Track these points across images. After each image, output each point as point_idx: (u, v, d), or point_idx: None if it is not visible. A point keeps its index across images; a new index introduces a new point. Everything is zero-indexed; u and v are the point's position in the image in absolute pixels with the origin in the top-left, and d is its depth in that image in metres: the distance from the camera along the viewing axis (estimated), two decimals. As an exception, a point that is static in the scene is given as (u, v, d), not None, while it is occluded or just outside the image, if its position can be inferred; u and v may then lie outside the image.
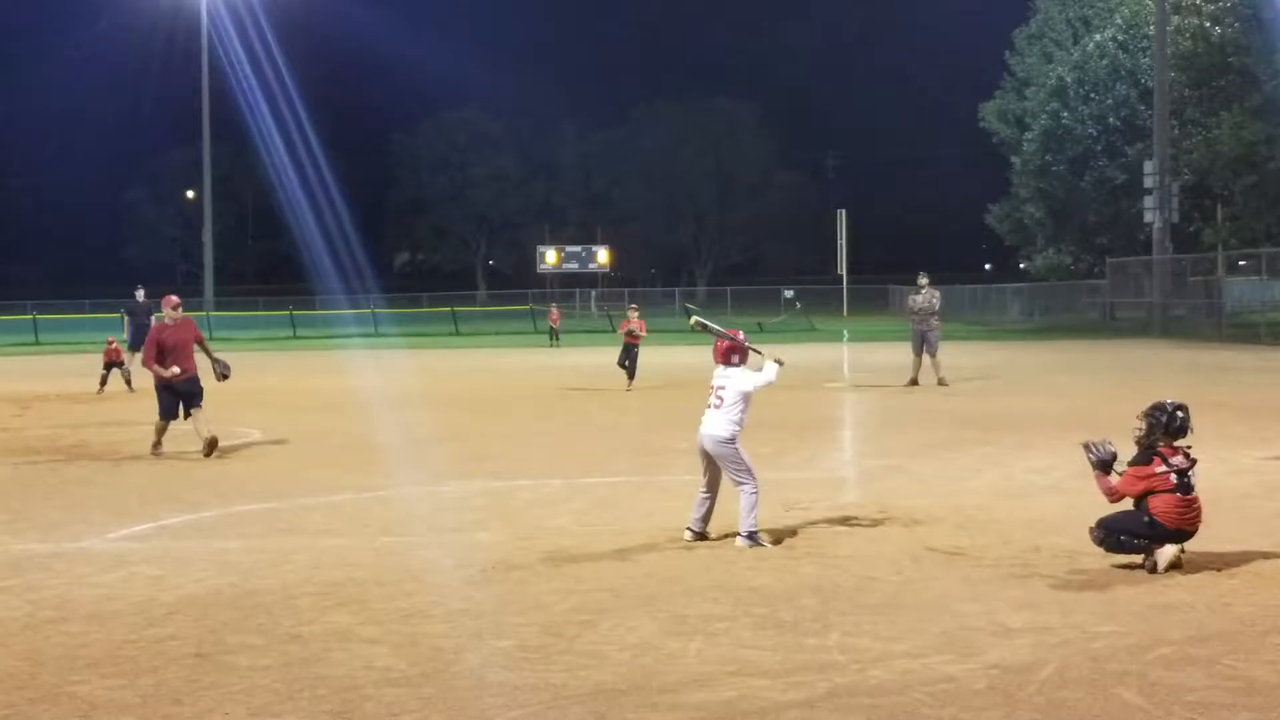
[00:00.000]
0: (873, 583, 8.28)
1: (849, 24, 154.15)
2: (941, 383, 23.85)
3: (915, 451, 14.86)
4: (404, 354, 41.93)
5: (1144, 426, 8.64)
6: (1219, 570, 8.46)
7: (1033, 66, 63.91)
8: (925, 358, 24.39)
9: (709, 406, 9.89)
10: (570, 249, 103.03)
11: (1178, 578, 8.27)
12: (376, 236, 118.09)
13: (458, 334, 57.13)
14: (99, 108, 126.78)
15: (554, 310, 49.92)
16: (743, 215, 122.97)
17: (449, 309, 65.81)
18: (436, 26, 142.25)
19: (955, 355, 26.83)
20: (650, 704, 6.00)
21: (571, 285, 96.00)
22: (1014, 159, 63.76)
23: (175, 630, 7.40)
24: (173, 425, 15.76)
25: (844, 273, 51.12)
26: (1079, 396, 21.71)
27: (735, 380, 9.84)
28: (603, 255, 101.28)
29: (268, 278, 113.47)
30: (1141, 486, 8.45)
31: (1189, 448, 8.64)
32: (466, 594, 8.19)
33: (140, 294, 31.08)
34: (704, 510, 9.85)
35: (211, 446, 15.38)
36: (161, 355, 15.66)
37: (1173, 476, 8.43)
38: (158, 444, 15.84)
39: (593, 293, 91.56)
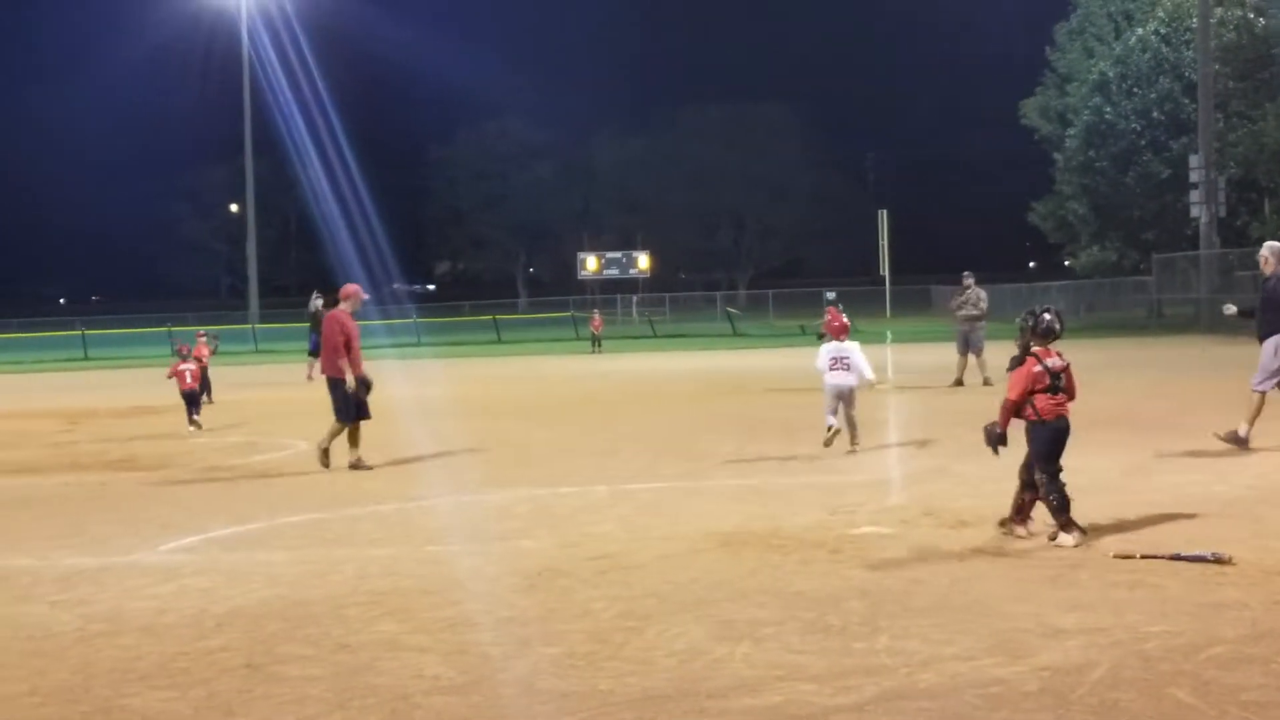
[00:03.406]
0: (920, 585, 8.25)
1: (887, 24, 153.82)
2: (987, 382, 23.73)
3: (960, 452, 14.77)
4: (446, 363, 42.08)
5: (1018, 333, 9.61)
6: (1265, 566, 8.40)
7: (1074, 62, 63.61)
8: (970, 358, 24.28)
9: (834, 370, 15.17)
10: (610, 255, 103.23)
11: (1230, 574, 8.20)
12: (417, 246, 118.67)
13: (499, 342, 57.28)
14: (143, 125, 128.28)
15: (596, 316, 50.00)
16: (783, 218, 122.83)
17: (490, 317, 66.07)
18: (473, 37, 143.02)
19: (1001, 355, 26.60)
20: (698, 709, 6.00)
21: (612, 291, 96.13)
22: (1056, 155, 63.43)
23: (226, 642, 7.46)
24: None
25: (886, 274, 51.00)
26: (1125, 395, 21.54)
27: (856, 353, 15.24)
28: (643, 260, 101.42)
29: (310, 290, 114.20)
30: (1025, 385, 9.37)
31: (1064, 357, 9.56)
32: (513, 601, 8.21)
33: (319, 302, 30.15)
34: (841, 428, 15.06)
35: (352, 464, 14.74)
36: (350, 348, 14.77)
37: (1047, 377, 9.37)
38: (358, 460, 14.83)
39: (634, 298, 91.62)
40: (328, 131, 79.56)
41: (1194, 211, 48.72)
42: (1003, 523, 9.68)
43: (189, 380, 21.11)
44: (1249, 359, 27.61)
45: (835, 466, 14.05)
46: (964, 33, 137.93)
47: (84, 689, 6.65)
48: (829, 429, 15.00)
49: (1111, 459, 13.76)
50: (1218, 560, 8.45)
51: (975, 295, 24.86)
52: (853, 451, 14.99)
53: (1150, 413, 16.34)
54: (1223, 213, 48.73)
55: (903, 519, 10.63)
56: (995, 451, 9.65)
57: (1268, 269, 14.82)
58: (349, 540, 10.71)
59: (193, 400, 21.09)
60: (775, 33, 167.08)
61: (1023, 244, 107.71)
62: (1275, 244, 15.01)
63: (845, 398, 15.17)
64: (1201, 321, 46.68)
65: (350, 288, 15.51)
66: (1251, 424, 14.36)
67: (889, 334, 49.44)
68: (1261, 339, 14.74)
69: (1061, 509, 9.28)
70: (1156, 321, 51.49)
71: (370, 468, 14.81)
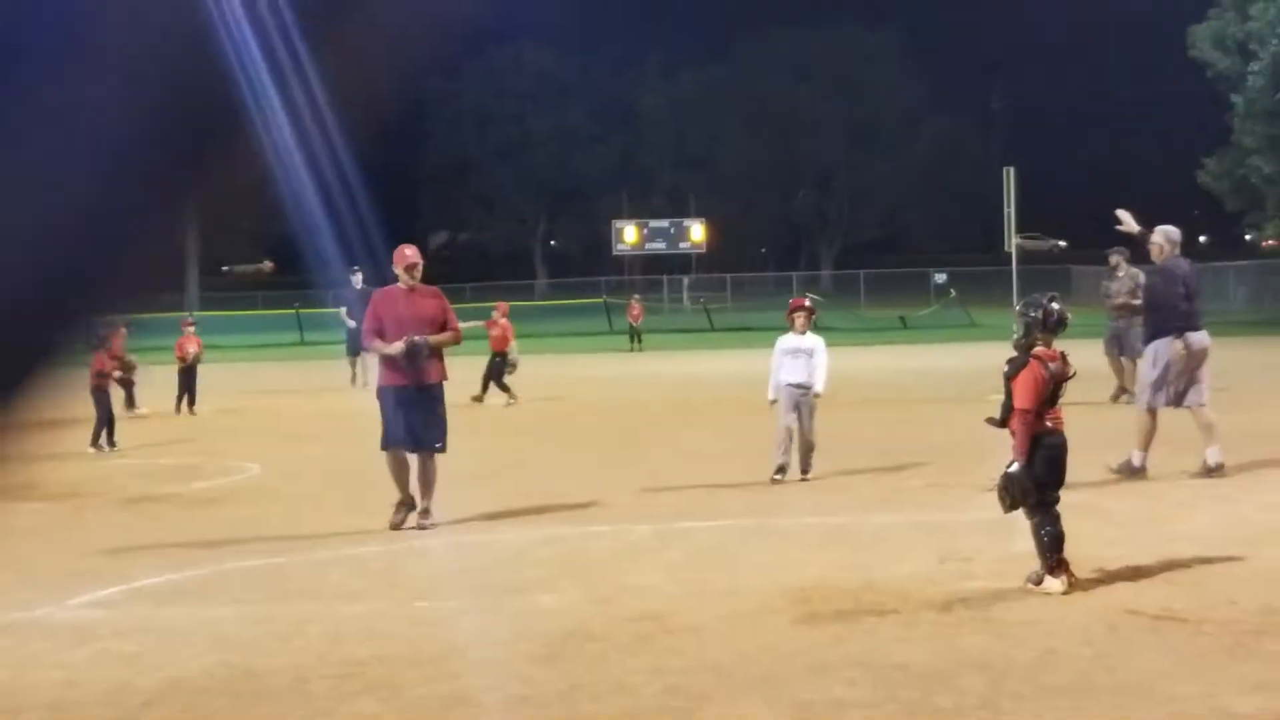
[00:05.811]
0: (1056, 657, 8.22)
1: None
2: (1127, 392, 23.56)
3: (1111, 484, 14.72)
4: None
5: (1020, 328, 10.12)
6: None
7: (1261, -26, 63.17)
8: (1124, 361, 23.96)
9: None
10: (655, 224, 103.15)
11: None
12: (407, 211, 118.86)
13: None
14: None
15: (635, 304, 50.08)
16: (881, 176, 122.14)
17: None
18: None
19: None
20: (767, 818, 5.99)
21: (658, 271, 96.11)
22: (1235, 98, 63.01)
23: (156, 723, 7.50)
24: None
25: (1013, 250, 50.83)
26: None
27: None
28: (697, 231, 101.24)
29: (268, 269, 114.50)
30: (1037, 393, 9.76)
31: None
32: (529, 675, 8.22)
33: (358, 279, 29.34)
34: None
35: (413, 513, 13.58)
36: (382, 333, 14.04)
37: (1050, 384, 9.87)
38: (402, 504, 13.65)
39: (684, 280, 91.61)
40: (292, 61, 79.95)
41: None
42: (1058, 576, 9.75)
43: (107, 371, 21.25)
44: None
45: (945, 501, 14.00)
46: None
47: (-26, 784, 6.70)
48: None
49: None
50: None
51: (1132, 280, 24.48)
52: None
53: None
54: None
55: (1032, 570, 10.58)
56: (1027, 503, 9.76)
57: (1160, 257, 15.14)
58: (316, 592, 10.75)
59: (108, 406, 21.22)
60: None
61: (1190, 212, 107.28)
62: (1171, 229, 15.28)
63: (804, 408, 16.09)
64: None
65: (397, 253, 14.54)
66: (1145, 449, 15.01)
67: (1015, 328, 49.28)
68: (1146, 341, 15.59)
69: (1053, 548, 9.68)
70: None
71: (424, 527, 13.42)
